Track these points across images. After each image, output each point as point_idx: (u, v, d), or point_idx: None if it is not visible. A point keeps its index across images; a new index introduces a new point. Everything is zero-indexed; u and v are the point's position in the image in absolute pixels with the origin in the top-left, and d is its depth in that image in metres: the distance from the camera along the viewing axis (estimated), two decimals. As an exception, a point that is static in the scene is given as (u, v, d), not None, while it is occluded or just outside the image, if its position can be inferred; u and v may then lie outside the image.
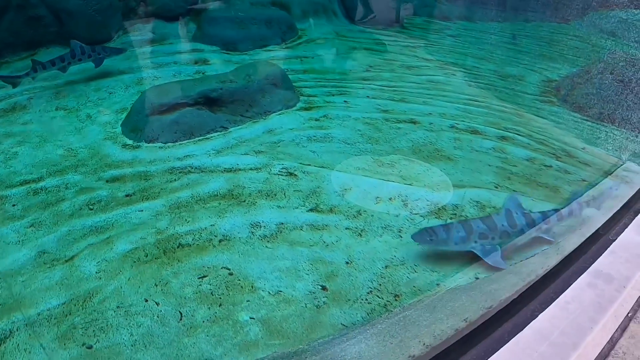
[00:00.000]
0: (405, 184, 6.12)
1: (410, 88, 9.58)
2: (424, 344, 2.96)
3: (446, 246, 4.88)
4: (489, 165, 6.73)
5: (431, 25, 15.81)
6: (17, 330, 4.34)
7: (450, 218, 5.47)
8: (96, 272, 4.91)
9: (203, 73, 9.79)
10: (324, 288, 4.54)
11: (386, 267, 4.78)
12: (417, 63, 11.48)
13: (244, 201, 5.78)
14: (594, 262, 4.01)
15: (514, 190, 6.12)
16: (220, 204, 5.75)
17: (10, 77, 9.67)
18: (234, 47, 11.18)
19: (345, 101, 8.65)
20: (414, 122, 7.91)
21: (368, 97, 8.94)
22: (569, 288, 3.65)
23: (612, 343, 3.32)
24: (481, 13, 16.94)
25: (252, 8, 12.91)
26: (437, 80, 10.28)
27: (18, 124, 8.46)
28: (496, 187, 6.17)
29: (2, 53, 11.13)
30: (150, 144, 7.26)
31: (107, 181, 6.48)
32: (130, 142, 7.41)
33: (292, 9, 13.52)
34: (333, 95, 8.93)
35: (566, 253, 4.15)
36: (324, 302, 4.40)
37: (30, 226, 5.77)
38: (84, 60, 9.79)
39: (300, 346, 3.21)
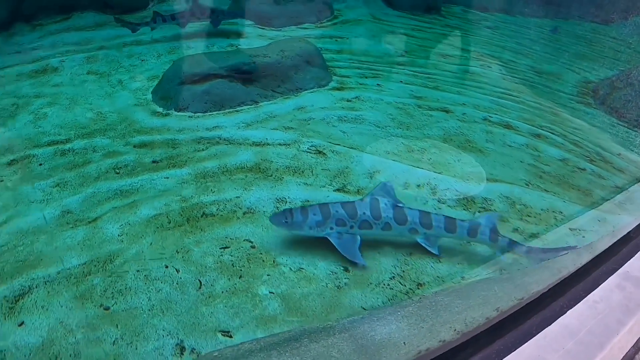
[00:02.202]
0: (435, 171, 6.02)
1: (445, 76, 9.41)
2: (455, 330, 2.91)
3: (301, 230, 4.58)
4: (521, 162, 6.57)
5: (469, 15, 15.52)
6: (36, 287, 4.39)
7: (479, 211, 5.36)
8: (118, 235, 4.93)
9: (236, 46, 9.75)
10: (346, 269, 4.48)
11: (410, 254, 4.70)
12: (453, 52, 11.28)
13: (271, 176, 5.75)
14: (624, 264, 3.91)
15: (545, 190, 5.97)
16: (246, 176, 5.73)
17: (133, 23, 10.14)
18: (268, 22, 11.08)
19: (378, 84, 8.53)
20: (446, 110, 7.77)
21: (401, 82, 8.80)
22: (599, 288, 3.56)
23: (637, 347, 3.25)
24: (521, 7, 16.56)
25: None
26: (472, 71, 10.08)
27: (49, 86, 8.53)
28: (527, 185, 6.03)
29: (37, 15, 11.25)
30: (179, 113, 7.26)
31: (134, 146, 6.50)
32: (160, 109, 7.42)
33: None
34: (366, 77, 8.81)
35: (597, 252, 4.03)
36: (345, 283, 4.34)
37: (56, 186, 5.83)
38: (202, 19, 10.09)
39: (328, 323, 3.15)
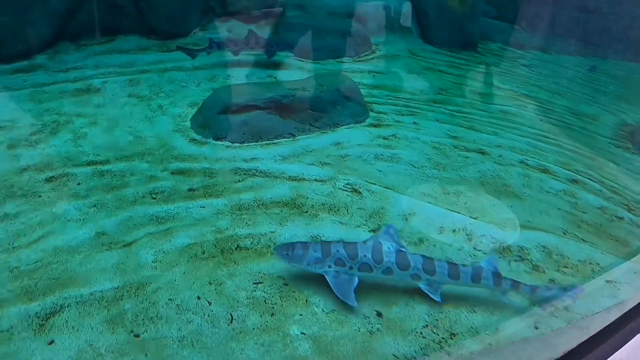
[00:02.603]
0: (470, 216, 5.96)
1: (481, 116, 9.37)
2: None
3: (300, 264, 4.61)
4: (559, 209, 6.47)
5: (505, 53, 15.47)
6: (67, 306, 4.45)
7: (515, 260, 5.29)
8: (152, 262, 4.98)
9: (275, 77, 9.86)
10: (379, 314, 4.45)
11: (444, 302, 4.65)
12: (489, 91, 11.26)
13: (307, 212, 5.76)
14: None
15: (582, 239, 5.87)
16: (282, 211, 5.75)
17: (192, 50, 10.33)
18: (308, 54, 11.19)
19: (414, 122, 8.53)
20: (482, 152, 7.72)
21: (438, 120, 8.79)
22: (626, 345, 3.48)
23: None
24: (558, 45, 16.46)
25: (329, 18, 12.94)
26: (508, 111, 10.01)
27: (90, 106, 8.72)
28: (565, 234, 5.92)
29: (82, 35, 11.56)
30: (217, 142, 7.35)
31: (172, 173, 6.59)
32: (198, 137, 7.51)
33: (368, 23, 13.47)
34: (403, 115, 8.82)
35: (626, 309, 3.95)
36: (377, 328, 4.30)
37: (93, 206, 5.94)
38: (255, 49, 10.27)
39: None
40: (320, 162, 6.85)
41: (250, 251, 5.10)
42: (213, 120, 7.54)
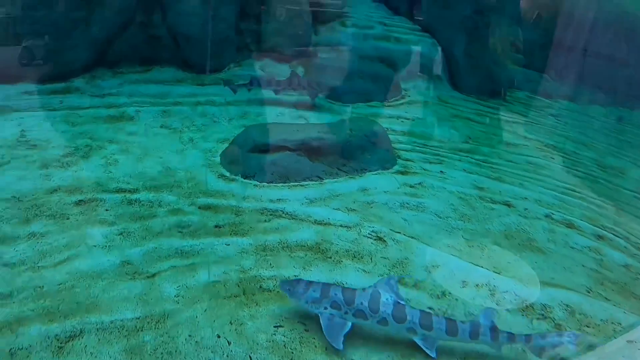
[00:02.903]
0: (494, 271, 5.92)
1: (508, 167, 9.38)
2: None
3: (298, 301, 4.74)
4: (583, 266, 6.41)
5: (533, 102, 15.48)
6: (87, 332, 4.54)
7: (537, 319, 5.24)
8: (175, 296, 5.04)
9: (305, 119, 9.99)
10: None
11: (465, 358, 4.62)
12: (516, 141, 11.25)
13: (330, 257, 5.79)
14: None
15: (606, 298, 5.79)
16: (306, 255, 5.79)
17: (235, 85, 10.62)
18: (338, 97, 11.33)
19: (441, 171, 8.56)
20: (508, 204, 7.71)
21: (464, 170, 8.81)
22: None
23: None
24: (586, 94, 16.44)
25: (361, 61, 13.12)
26: (535, 162, 10.00)
27: (123, 133, 8.92)
28: (588, 292, 5.86)
29: (120, 63, 11.91)
30: (245, 180, 7.45)
31: (199, 207, 6.69)
32: (227, 173, 7.63)
33: (399, 68, 13.64)
34: (430, 162, 8.87)
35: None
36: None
37: (120, 234, 6.05)
38: (297, 90, 10.55)
39: None
40: (346, 207, 6.90)
41: (273, 293, 5.13)
42: (243, 158, 7.69)
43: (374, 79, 12.19)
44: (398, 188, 7.67)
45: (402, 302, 4.60)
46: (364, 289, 4.68)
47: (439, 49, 14.67)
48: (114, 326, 4.64)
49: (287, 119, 9.85)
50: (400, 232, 6.45)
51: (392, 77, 12.91)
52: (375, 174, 8.05)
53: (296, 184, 7.41)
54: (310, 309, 4.71)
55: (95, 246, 5.81)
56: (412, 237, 6.38)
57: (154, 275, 5.35)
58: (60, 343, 4.43)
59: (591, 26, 15.47)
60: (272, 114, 10.11)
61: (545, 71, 16.18)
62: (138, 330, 4.61)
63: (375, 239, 6.23)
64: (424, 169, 8.52)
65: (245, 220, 6.41)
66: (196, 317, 4.79)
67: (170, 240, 5.91)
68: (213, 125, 9.51)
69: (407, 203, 7.24)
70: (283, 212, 6.64)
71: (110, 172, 7.53)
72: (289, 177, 7.41)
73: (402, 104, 12.25)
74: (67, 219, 6.33)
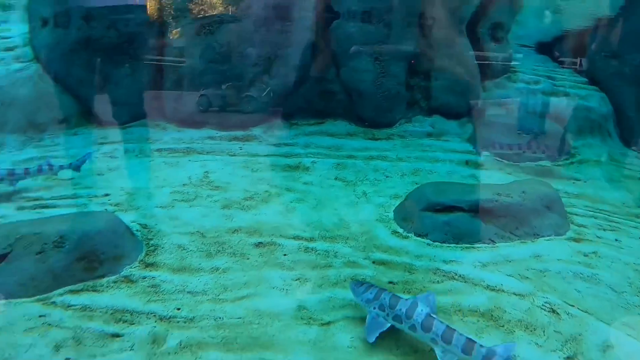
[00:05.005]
0: (676, 362, 5.56)
1: (689, 239, 8.70)
2: None
3: (357, 299, 5.74)
4: None
5: None
6: None
7: None
8: (347, 347, 5.34)
9: (476, 178, 10.03)
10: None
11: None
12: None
13: (503, 326, 5.77)
14: None
15: None
16: (478, 321, 5.83)
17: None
18: (507, 156, 11.24)
19: (616, 239, 8.19)
20: (693, 283, 7.17)
21: (640, 239, 8.38)
22: None
23: None
24: None
25: (528, 117, 12.98)
26: None
27: (299, 182, 9.60)
28: None
29: (295, 115, 12.92)
30: (418, 238, 7.67)
31: (373, 262, 7.01)
32: (400, 230, 7.90)
33: (567, 124, 13.20)
34: (604, 229, 8.54)
35: None
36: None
37: (296, 279, 6.53)
38: (537, 153, 11.25)
39: None
40: (519, 274, 6.84)
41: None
42: (416, 216, 7.92)
43: (542, 137, 11.99)
44: (571, 256, 7.48)
45: (432, 315, 5.17)
46: (406, 299, 5.39)
47: (608, 102, 14.09)
48: (289, 368, 5.04)
49: (458, 178, 9.96)
50: (574, 306, 6.28)
51: (561, 134, 12.62)
52: (548, 240, 7.90)
53: (468, 245, 7.47)
54: (363, 306, 5.62)
55: (273, 288, 6.35)
56: (586, 312, 6.19)
57: (328, 323, 5.70)
58: (248, 374, 4.91)
59: None
60: (442, 171, 10.30)
61: None
62: (312, 377, 4.95)
63: (548, 311, 6.11)
64: (598, 237, 8.22)
65: (418, 279, 6.59)
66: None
67: (345, 291, 6.19)
68: (385, 180, 9.89)
69: (581, 273, 7.04)
70: (456, 275, 6.72)
71: (288, 219, 8.13)
72: (461, 238, 7.53)
73: (572, 163, 11.95)
74: (247, 258, 7.00)
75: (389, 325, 5.35)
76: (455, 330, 5.00)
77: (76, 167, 9.42)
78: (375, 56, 12.79)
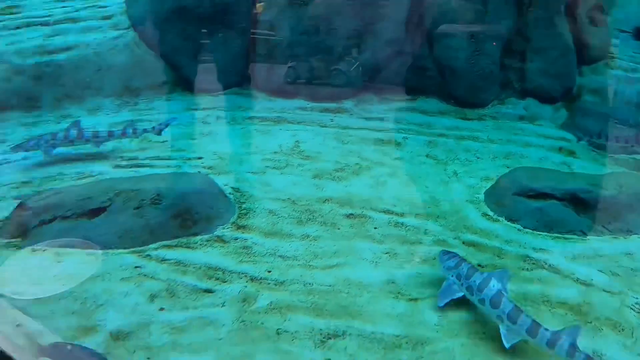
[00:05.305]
0: None
1: None
2: None
3: (441, 264, 5.93)
4: None
5: None
6: (349, 335, 5.16)
7: None
8: (435, 324, 5.40)
9: (569, 166, 9.69)
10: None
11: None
12: None
13: (591, 322, 5.59)
14: None
15: None
16: (566, 314, 5.68)
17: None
18: (601, 145, 10.64)
19: None
20: None
21: None
22: None
23: None
24: None
25: (627, 108, 12.24)
26: None
27: (390, 157, 9.60)
28: None
29: (386, 90, 12.87)
30: (509, 223, 7.53)
31: (463, 242, 7.00)
32: (490, 213, 7.77)
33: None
34: None
35: None
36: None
37: (386, 253, 6.62)
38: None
39: None
40: (610, 270, 6.57)
41: (528, 346, 5.07)
42: (508, 200, 7.77)
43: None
44: (666, 257, 7.10)
45: (504, 293, 5.20)
46: (482, 273, 5.50)
47: None
48: (374, 337, 5.17)
49: (550, 164, 9.64)
50: (665, 310, 6.03)
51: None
52: (642, 238, 7.51)
53: (559, 235, 7.25)
54: (443, 273, 5.82)
55: (363, 259, 6.46)
56: (675, 317, 5.91)
57: (416, 299, 5.78)
58: (323, 338, 5.11)
59: None
60: (534, 156, 10.02)
61: None
62: (396, 346, 5.07)
63: (638, 312, 5.87)
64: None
65: (507, 264, 6.48)
66: (452, 349, 5.07)
67: (434, 269, 6.24)
68: (476, 161, 9.70)
69: (675, 276, 6.68)
70: (545, 264, 6.57)
71: (379, 192, 8.19)
72: (553, 227, 7.33)
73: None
74: (338, 228, 7.14)
75: (460, 294, 5.55)
76: (522, 311, 5.03)
77: (159, 131, 9.75)
78: (471, 34, 12.49)
